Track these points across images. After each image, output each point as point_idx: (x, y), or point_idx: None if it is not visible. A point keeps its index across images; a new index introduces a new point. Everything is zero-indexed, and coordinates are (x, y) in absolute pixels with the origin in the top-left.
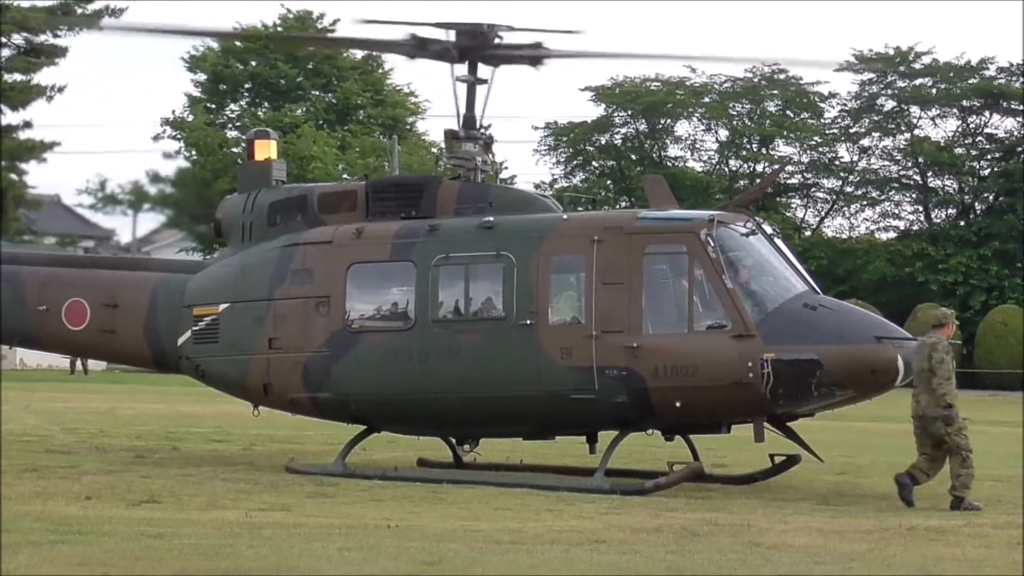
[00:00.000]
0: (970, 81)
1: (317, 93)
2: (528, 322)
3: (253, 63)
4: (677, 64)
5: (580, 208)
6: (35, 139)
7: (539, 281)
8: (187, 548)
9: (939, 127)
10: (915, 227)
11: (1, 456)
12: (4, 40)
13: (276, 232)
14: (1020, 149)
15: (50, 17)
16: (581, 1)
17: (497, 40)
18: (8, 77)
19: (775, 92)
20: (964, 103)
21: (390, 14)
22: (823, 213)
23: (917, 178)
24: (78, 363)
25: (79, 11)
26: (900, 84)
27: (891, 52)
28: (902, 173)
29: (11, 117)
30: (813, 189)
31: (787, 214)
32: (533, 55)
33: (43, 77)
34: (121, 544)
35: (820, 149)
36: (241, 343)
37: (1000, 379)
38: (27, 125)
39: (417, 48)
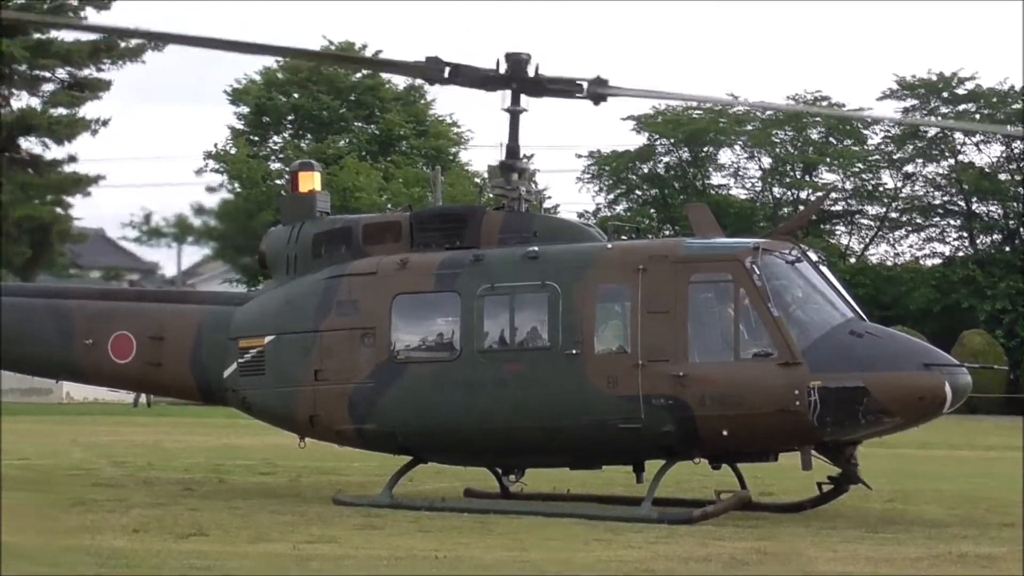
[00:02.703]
0: (1014, 106)
1: (360, 124)
2: (574, 351)
3: (296, 95)
4: (719, 92)
5: (624, 237)
6: (80, 173)
7: (584, 310)
8: None
9: (983, 153)
10: (960, 253)
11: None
12: (48, 74)
13: (321, 264)
14: None
15: (94, 51)
16: (624, 34)
17: (542, 71)
18: (53, 111)
19: (818, 119)
20: (1008, 128)
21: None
22: (867, 240)
23: (961, 204)
24: (141, 396)
25: (122, 45)
26: (943, 110)
27: (934, 78)
28: (946, 199)
29: (56, 151)
30: (857, 216)
31: (831, 241)
32: (577, 89)
33: (87, 111)
34: None
35: (864, 176)
36: (287, 375)
37: None
38: (72, 159)
39: (460, 75)
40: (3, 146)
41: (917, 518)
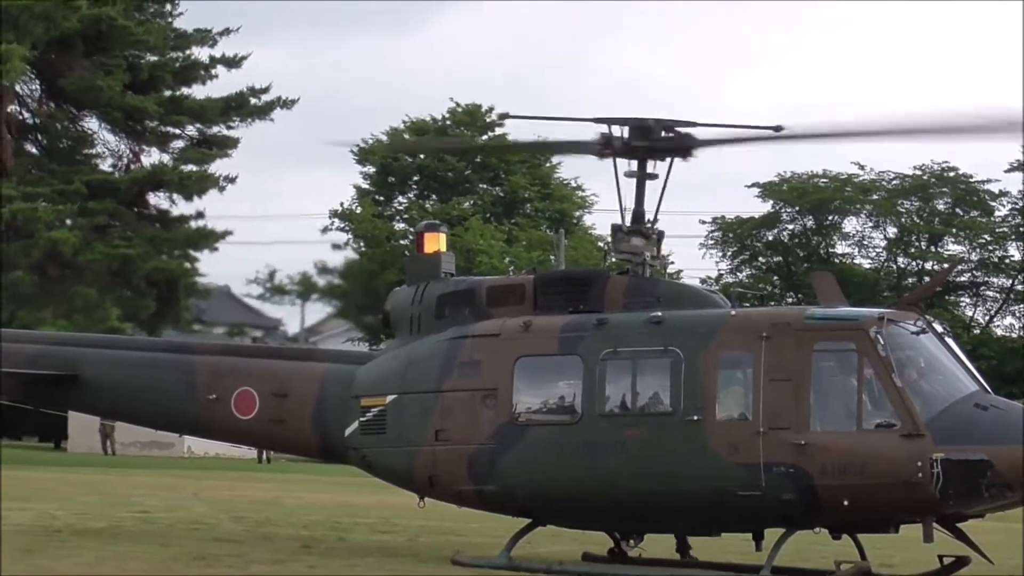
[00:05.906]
0: None
1: (484, 186)
2: (695, 417)
3: (421, 156)
4: (844, 160)
5: (747, 304)
6: (207, 228)
7: (707, 377)
8: None
9: None
10: None
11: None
12: (178, 131)
13: (444, 324)
14: None
15: (225, 108)
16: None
17: (666, 135)
18: (183, 167)
19: (944, 190)
20: None
21: (543, 109)
22: (993, 312)
23: None
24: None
25: (252, 102)
26: None
27: None
28: None
29: (184, 207)
30: (983, 287)
31: (956, 312)
32: (696, 146)
33: (215, 167)
34: None
35: (990, 247)
36: (408, 434)
37: None
38: (199, 215)
39: (601, 147)
40: (133, 201)
41: None
